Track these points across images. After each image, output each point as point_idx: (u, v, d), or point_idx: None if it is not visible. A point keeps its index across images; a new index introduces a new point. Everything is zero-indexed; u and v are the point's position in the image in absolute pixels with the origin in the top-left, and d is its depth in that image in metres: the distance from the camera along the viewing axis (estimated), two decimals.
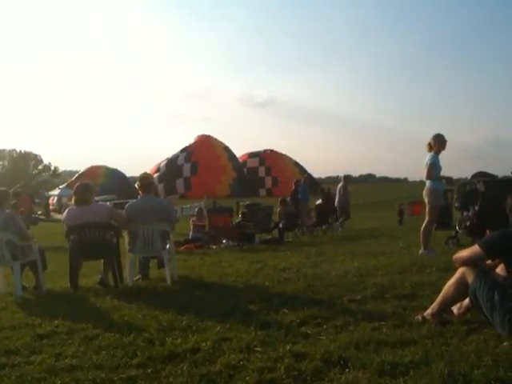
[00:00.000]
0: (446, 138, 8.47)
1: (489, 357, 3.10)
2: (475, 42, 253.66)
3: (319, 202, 21.05)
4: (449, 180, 8.69)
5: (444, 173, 8.51)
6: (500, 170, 14.76)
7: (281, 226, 14.11)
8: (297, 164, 65.48)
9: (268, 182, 61.80)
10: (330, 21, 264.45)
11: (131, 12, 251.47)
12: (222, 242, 13.03)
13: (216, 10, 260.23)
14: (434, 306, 4.04)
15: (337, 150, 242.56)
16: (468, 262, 3.93)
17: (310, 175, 65.57)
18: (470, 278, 3.81)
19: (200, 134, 65.51)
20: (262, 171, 63.14)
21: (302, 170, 64.86)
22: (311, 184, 60.23)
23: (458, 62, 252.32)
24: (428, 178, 8.29)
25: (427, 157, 8.35)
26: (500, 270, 3.95)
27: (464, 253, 4.02)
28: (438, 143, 8.39)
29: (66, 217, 6.74)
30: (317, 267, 7.36)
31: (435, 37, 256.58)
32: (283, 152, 66.64)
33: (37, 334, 4.20)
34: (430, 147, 8.39)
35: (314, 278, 6.33)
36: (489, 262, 4.05)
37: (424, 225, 8.40)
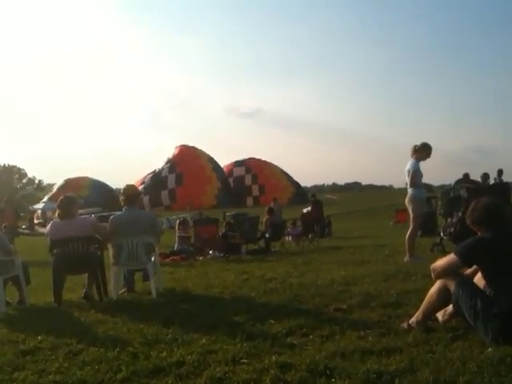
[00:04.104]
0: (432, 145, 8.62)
1: (474, 363, 3.12)
2: (457, 49, 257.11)
3: (306, 210, 21.18)
4: (429, 188, 8.79)
5: (426, 179, 8.64)
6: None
7: (267, 235, 14.11)
8: (283, 172, 65.71)
9: (255, 190, 61.88)
10: (316, 30, 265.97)
11: (119, 14, 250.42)
12: (208, 253, 12.99)
13: (200, 20, 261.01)
14: (418, 314, 4.06)
15: (323, 158, 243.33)
16: (446, 272, 3.94)
17: (297, 184, 66.01)
18: (452, 287, 3.83)
19: (181, 144, 65.27)
20: (248, 179, 63.20)
21: (289, 178, 65.22)
22: (299, 193, 60.56)
23: (442, 71, 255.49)
24: (412, 185, 8.36)
25: (408, 164, 8.43)
26: (477, 279, 3.97)
27: (441, 262, 4.03)
28: (425, 153, 8.48)
29: (49, 231, 6.67)
30: (303, 277, 7.36)
31: (419, 46, 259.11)
32: (270, 161, 66.87)
33: (20, 351, 4.14)
34: (415, 152, 8.45)
35: (300, 287, 6.33)
36: (469, 270, 4.07)
37: (408, 232, 8.46)
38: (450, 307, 3.97)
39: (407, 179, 8.48)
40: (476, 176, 14.55)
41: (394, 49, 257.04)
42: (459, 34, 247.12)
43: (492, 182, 14.59)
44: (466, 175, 14.56)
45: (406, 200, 8.56)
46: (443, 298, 3.94)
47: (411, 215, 8.52)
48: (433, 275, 4.08)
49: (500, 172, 16.27)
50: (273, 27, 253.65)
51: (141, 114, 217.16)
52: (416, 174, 8.33)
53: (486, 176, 15.24)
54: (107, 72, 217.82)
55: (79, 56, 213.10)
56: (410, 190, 8.46)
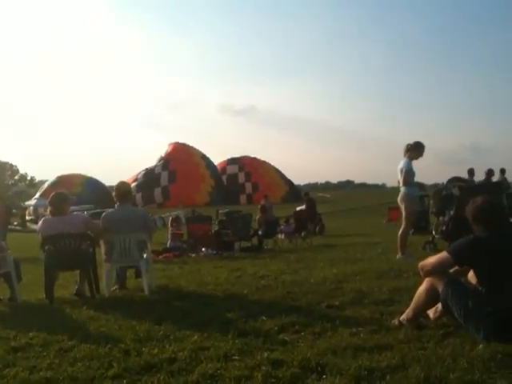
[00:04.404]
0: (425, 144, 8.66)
1: (464, 360, 3.14)
2: (453, 49, 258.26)
3: (300, 208, 21.18)
4: (421, 186, 8.86)
5: (419, 178, 8.70)
6: (478, 176, 14.98)
7: (260, 233, 14.12)
8: (277, 170, 65.66)
9: (248, 187, 61.67)
10: (309, 29, 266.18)
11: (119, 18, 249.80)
12: (201, 250, 12.96)
13: (197, 20, 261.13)
14: (409, 311, 4.07)
15: (316, 157, 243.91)
16: (436, 270, 3.93)
17: (290, 182, 66.01)
18: (440, 287, 3.82)
19: (174, 141, 65.01)
20: (241, 177, 63.03)
21: (282, 176, 65.20)
22: (292, 191, 60.46)
23: (435, 70, 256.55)
24: (405, 184, 8.40)
25: (401, 163, 8.48)
26: (470, 277, 3.98)
27: (431, 260, 4.01)
28: (417, 152, 8.53)
29: (40, 227, 6.64)
30: (296, 274, 7.37)
31: (413, 44, 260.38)
32: (263, 159, 66.83)
33: (11, 347, 4.12)
34: (407, 151, 8.50)
35: (292, 284, 6.34)
36: (455, 269, 4.05)
37: (401, 230, 8.50)
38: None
39: (400, 178, 8.52)
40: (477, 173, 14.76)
41: (389, 48, 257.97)
42: (455, 34, 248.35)
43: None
44: (471, 171, 14.69)
45: (399, 198, 8.60)
46: (431, 298, 3.94)
47: (403, 213, 8.56)
48: (421, 273, 4.08)
49: (502, 171, 16.37)
50: (268, 27, 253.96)
51: (140, 114, 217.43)
52: (409, 173, 8.38)
53: (490, 172, 15.23)
54: (107, 72, 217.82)
55: (79, 56, 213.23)
56: (402, 189, 8.50)
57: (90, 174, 58.94)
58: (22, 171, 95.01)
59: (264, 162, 65.87)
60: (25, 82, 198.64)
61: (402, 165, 8.45)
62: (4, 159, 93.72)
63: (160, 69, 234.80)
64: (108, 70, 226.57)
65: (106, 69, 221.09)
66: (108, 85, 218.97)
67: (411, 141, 8.62)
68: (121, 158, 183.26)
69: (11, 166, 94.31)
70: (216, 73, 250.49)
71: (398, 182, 8.63)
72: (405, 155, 8.52)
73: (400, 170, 8.46)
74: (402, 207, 8.55)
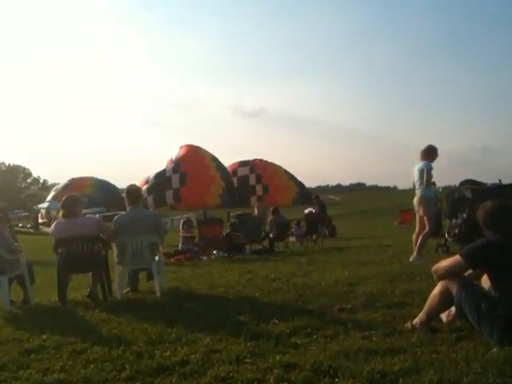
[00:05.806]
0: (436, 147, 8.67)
1: (478, 364, 3.12)
2: (463, 49, 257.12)
3: (308, 210, 21.15)
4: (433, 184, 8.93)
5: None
6: (489, 178, 14.90)
7: (271, 235, 14.10)
8: (287, 172, 65.67)
9: (259, 189, 61.70)
10: (318, 30, 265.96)
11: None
12: (212, 253, 12.98)
13: (201, 19, 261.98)
14: (422, 315, 4.05)
15: (327, 159, 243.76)
16: (449, 274, 3.91)
17: (301, 184, 65.97)
18: (454, 290, 3.80)
19: (185, 144, 65.25)
20: (252, 179, 63.16)
21: (293, 178, 65.20)
22: (303, 193, 60.40)
23: (446, 71, 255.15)
24: (427, 184, 8.39)
25: (420, 164, 8.46)
26: (484, 281, 3.95)
27: (444, 263, 3.99)
28: (432, 155, 8.54)
29: (53, 230, 6.69)
30: (307, 277, 7.35)
31: (424, 46, 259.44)
32: (273, 161, 66.96)
33: (24, 349, 4.15)
34: (424, 156, 8.50)
35: (304, 287, 6.32)
36: (469, 272, 4.02)
37: (424, 232, 8.42)
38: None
39: (416, 179, 8.49)
40: (479, 178, 14.62)
41: (398, 50, 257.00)
42: (465, 32, 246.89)
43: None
44: None
45: (416, 200, 8.56)
46: (445, 301, 3.92)
47: (425, 216, 8.47)
48: (435, 276, 4.06)
49: None
50: (273, 26, 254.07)
51: (141, 114, 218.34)
52: (429, 173, 8.38)
53: None
54: (107, 72, 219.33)
55: (79, 56, 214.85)
56: (419, 191, 8.48)
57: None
58: (34, 174, 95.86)
59: (274, 165, 65.96)
60: (25, 82, 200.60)
61: (422, 166, 8.45)
62: (16, 162, 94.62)
63: (160, 69, 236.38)
64: (108, 70, 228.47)
65: (105, 69, 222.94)
66: (108, 85, 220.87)
67: (423, 143, 8.66)
68: (121, 158, 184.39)
69: (24, 169, 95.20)
70: (220, 73, 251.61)
71: (414, 183, 8.60)
72: (422, 159, 8.51)
73: (420, 170, 8.44)
74: (421, 210, 8.50)
